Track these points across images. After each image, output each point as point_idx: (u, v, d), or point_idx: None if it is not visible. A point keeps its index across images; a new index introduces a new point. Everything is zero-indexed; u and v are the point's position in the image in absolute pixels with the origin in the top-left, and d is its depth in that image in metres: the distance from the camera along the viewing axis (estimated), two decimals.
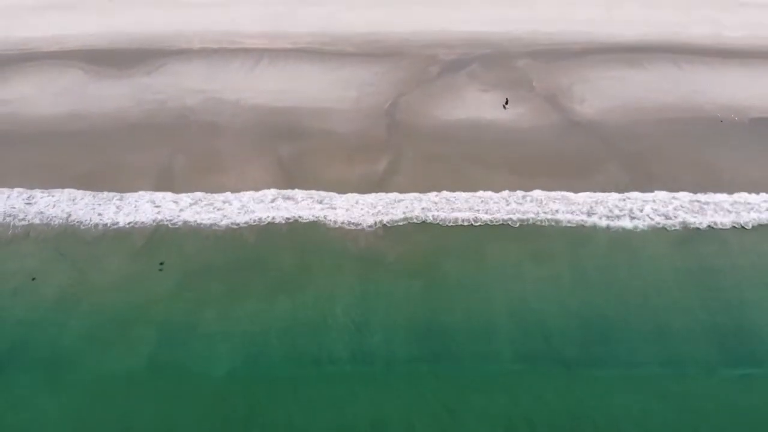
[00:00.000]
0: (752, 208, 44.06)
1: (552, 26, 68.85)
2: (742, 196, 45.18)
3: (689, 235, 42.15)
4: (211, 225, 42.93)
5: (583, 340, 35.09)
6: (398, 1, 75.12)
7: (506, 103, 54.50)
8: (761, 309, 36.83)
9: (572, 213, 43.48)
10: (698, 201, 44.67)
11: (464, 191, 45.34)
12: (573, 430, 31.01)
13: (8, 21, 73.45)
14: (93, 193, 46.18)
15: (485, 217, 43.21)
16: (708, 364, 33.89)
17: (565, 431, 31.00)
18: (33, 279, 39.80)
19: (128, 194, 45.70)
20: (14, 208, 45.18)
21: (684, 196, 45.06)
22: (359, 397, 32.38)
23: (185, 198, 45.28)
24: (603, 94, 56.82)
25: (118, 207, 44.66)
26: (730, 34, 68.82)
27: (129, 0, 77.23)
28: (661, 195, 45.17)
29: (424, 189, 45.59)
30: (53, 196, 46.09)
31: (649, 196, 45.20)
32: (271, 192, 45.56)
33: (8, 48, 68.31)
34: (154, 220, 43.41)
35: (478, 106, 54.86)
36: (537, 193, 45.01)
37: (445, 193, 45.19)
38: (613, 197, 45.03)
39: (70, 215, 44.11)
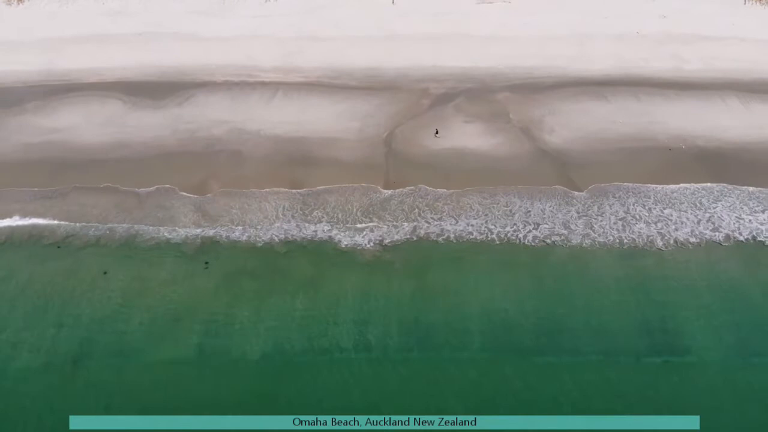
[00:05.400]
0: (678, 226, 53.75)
1: (530, 61, 78.14)
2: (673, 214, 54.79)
3: (630, 252, 51.57)
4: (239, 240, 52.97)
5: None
6: (395, 38, 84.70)
7: (436, 132, 64.07)
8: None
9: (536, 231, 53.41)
10: (637, 220, 54.30)
11: (450, 215, 54.97)
12: (529, 405, 40.44)
13: (51, 54, 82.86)
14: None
15: (470, 236, 52.91)
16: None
17: (522, 406, 40.39)
18: (105, 273, 49.42)
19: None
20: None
21: (635, 213, 54.69)
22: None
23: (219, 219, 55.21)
24: (570, 126, 66.18)
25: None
26: (689, 67, 77.65)
27: (156, 35, 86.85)
28: (612, 214, 54.75)
29: (416, 209, 55.31)
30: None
31: (607, 214, 54.68)
32: (290, 214, 55.44)
33: (53, 79, 77.77)
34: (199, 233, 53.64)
35: (462, 136, 64.46)
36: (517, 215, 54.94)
37: (431, 214, 54.89)
38: (572, 215, 54.60)
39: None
